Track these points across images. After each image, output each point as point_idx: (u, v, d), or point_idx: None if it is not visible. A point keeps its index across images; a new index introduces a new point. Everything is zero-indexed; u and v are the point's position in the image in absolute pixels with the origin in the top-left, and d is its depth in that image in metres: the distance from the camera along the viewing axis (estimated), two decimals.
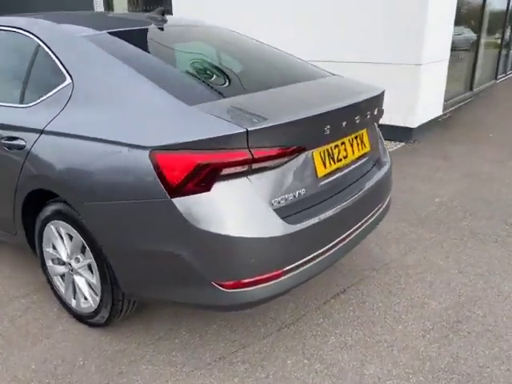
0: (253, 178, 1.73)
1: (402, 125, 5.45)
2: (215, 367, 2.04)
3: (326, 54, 5.50)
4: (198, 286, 1.80)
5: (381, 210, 2.42)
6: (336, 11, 5.57)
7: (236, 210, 1.71)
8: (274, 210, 1.78)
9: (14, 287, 2.68)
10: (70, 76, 2.05)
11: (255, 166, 1.71)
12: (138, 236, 1.81)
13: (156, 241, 1.78)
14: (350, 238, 2.12)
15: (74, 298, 2.30)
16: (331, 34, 5.64)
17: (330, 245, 1.99)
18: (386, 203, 2.50)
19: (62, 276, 2.34)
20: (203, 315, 2.38)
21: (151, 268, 1.87)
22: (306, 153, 1.90)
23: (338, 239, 2.04)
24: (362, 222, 2.21)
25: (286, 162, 1.81)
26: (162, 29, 2.57)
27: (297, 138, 1.81)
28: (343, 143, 2.13)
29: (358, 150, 2.25)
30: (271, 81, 2.27)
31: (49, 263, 2.37)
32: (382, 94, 2.42)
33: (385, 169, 2.43)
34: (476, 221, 3.41)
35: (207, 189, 1.66)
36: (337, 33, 5.60)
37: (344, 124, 2.02)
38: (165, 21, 2.66)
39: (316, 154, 1.97)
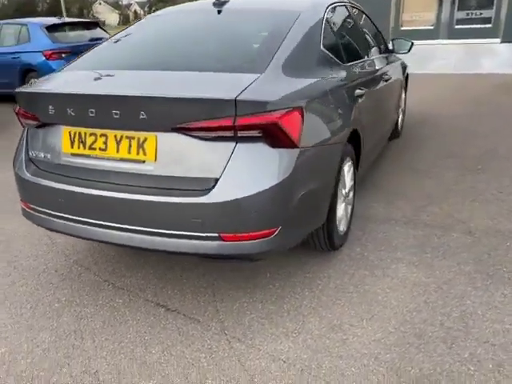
0: (27, 129, 2.40)
1: None
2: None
3: None
4: None
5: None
6: None
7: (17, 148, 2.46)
8: (30, 158, 2.33)
9: None
10: None
11: (24, 121, 2.34)
12: None
13: None
14: (119, 232, 2.05)
15: None
16: None
17: (79, 218, 2.14)
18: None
19: None
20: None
21: None
22: (59, 126, 2.17)
23: (94, 221, 2.10)
24: (147, 229, 1.98)
25: (40, 126, 2.25)
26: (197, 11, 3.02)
27: (35, 109, 2.23)
28: (104, 135, 2.03)
29: (129, 152, 1.97)
30: (159, 64, 2.35)
31: None
32: (228, 101, 1.79)
33: (210, 198, 1.86)
34: None
35: (23, 126, 2.44)
36: None
37: (105, 115, 1.96)
38: (223, 3, 2.80)
39: (65, 131, 2.15)
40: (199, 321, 2.20)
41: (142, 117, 1.87)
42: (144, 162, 1.98)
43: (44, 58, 7.25)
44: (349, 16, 3.25)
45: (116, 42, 2.72)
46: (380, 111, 3.51)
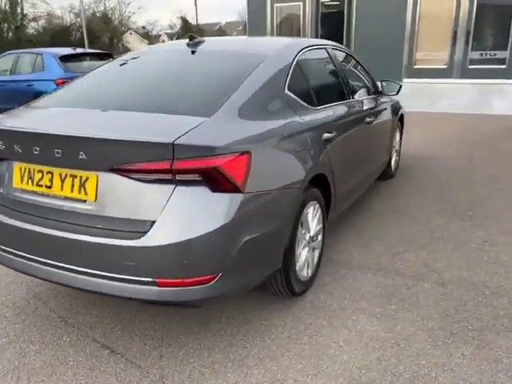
0: None
1: None
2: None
3: None
4: None
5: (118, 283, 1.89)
6: None
7: None
8: None
9: None
10: None
11: None
12: None
13: None
14: (56, 269, 2.03)
15: None
16: None
17: (24, 254, 2.11)
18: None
19: None
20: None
21: None
22: (11, 161, 2.18)
23: (35, 257, 2.08)
24: (83, 269, 1.96)
25: None
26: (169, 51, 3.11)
27: None
28: (50, 173, 2.05)
29: (71, 190, 1.99)
30: (113, 103, 2.38)
31: None
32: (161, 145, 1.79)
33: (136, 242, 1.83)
34: None
35: None
36: None
37: (49, 153, 1.97)
38: (195, 44, 2.87)
39: (16, 166, 2.17)
40: (140, 366, 2.13)
41: (81, 157, 1.88)
42: (85, 201, 1.97)
43: (55, 87, 7.48)
44: (328, 59, 3.25)
45: (85, 79, 2.78)
46: (361, 153, 3.46)
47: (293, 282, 2.45)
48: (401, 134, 5.04)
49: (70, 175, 1.98)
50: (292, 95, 2.53)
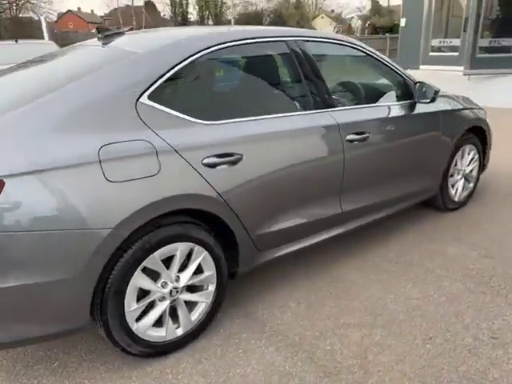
0: None
1: None
2: None
3: None
4: None
5: None
6: None
7: None
8: None
9: None
10: None
11: None
12: None
13: None
14: None
15: None
16: None
17: None
18: None
19: None
20: None
21: None
22: None
23: None
24: None
25: None
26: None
27: None
28: None
29: None
30: None
31: None
32: None
33: None
34: None
35: None
36: None
37: None
38: (105, 39, 2.49)
39: None
40: None
41: None
42: None
43: None
44: (287, 57, 2.44)
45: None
46: (328, 181, 2.55)
47: (121, 342, 1.94)
48: (480, 153, 3.70)
49: None
50: (157, 106, 1.95)
